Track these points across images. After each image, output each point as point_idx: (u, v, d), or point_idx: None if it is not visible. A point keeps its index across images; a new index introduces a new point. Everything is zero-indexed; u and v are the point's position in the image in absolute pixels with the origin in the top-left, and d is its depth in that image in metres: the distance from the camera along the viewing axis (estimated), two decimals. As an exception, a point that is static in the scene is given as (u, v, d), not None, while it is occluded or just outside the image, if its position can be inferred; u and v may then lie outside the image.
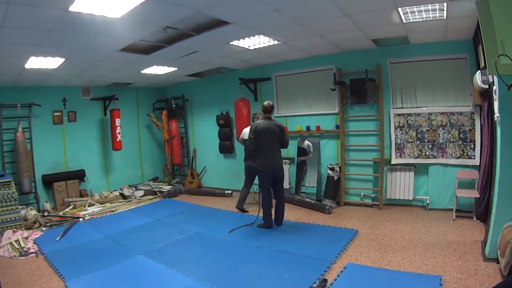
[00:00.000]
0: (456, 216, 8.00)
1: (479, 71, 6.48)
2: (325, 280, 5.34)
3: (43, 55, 7.86)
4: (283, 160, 8.93)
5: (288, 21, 6.76)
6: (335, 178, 9.78)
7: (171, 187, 13.40)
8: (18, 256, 7.37)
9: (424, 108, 8.73)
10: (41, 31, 6.20)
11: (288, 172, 11.10)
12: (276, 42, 8.33)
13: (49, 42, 6.93)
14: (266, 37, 7.89)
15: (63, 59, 8.32)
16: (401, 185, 9.08)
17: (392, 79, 9.08)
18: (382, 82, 9.07)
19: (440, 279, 5.12)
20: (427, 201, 8.83)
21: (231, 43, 8.17)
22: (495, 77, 5.26)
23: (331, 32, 7.72)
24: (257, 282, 5.66)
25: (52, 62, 8.49)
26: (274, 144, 7.96)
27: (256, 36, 7.77)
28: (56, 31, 6.25)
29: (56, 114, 11.95)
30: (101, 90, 13.04)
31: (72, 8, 5.25)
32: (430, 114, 8.61)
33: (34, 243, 8.00)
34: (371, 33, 7.86)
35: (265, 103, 8.16)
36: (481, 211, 7.40)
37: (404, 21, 6.85)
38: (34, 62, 8.28)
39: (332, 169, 9.86)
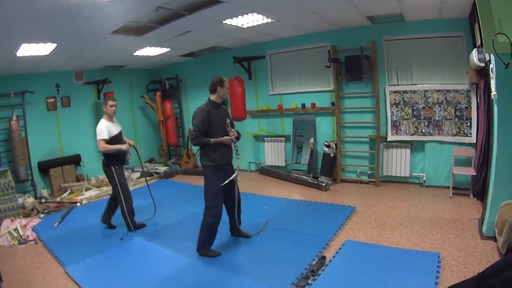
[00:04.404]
0: (452, 193, 8.04)
1: (475, 49, 6.44)
2: (323, 257, 5.42)
3: (35, 42, 7.77)
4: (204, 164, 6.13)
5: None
6: (331, 155, 9.79)
7: (167, 168, 13.43)
8: (17, 245, 7.39)
9: (420, 85, 8.69)
10: (31, 16, 6.09)
11: (284, 149, 11.19)
12: (269, 20, 8.22)
13: (40, 28, 6.84)
14: (260, 15, 7.78)
15: (55, 45, 8.23)
16: (397, 162, 9.11)
17: (388, 56, 9.03)
18: (377, 59, 9.00)
19: (438, 256, 5.17)
20: (424, 178, 8.88)
21: (224, 22, 8.07)
22: (492, 56, 5.23)
23: (324, 9, 7.63)
24: (256, 259, 5.75)
25: (44, 48, 8.40)
26: None
27: (249, 14, 7.67)
28: (46, 15, 6.14)
29: (49, 100, 11.88)
30: (94, 73, 12.96)
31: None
32: (426, 91, 8.57)
33: (32, 230, 8.02)
34: (365, 10, 7.78)
35: None
36: (478, 189, 7.45)
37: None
38: (26, 49, 8.19)
39: (328, 146, 9.87)
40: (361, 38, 9.08)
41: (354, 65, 9.25)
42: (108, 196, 8.00)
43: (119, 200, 7.40)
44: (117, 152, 7.15)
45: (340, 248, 5.76)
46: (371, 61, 9.02)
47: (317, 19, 8.44)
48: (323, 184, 9.28)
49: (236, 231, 6.70)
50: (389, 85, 9.05)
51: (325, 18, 8.37)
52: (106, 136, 7.01)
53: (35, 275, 5.96)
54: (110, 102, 7.32)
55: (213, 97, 6.06)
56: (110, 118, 7.34)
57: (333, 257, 5.49)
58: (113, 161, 7.22)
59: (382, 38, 8.97)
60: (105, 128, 7.06)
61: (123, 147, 7.16)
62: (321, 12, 7.85)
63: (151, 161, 14.86)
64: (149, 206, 8.32)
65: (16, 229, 7.84)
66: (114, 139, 7.14)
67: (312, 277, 4.94)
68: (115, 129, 7.25)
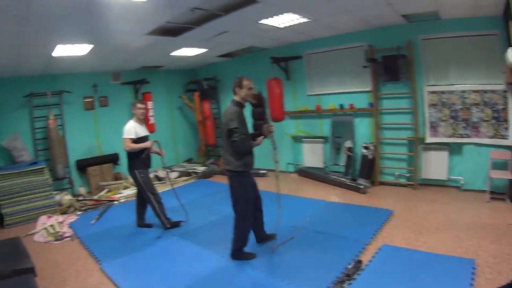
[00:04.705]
0: (490, 198, 7.83)
1: (510, 48, 6.26)
2: (359, 261, 5.35)
3: (70, 42, 7.89)
4: (233, 168, 5.76)
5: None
6: (370, 157, 9.67)
7: (206, 168, 13.44)
8: (53, 241, 7.52)
9: (457, 85, 8.47)
10: (65, 18, 6.19)
11: (322, 150, 11.06)
12: (305, 20, 8.14)
13: (74, 29, 6.97)
14: (295, 14, 7.72)
15: (91, 46, 8.34)
16: (435, 165, 8.94)
17: (424, 55, 8.83)
18: (414, 58, 8.85)
19: (473, 263, 5.06)
20: (461, 182, 8.67)
21: (260, 22, 8.03)
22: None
23: (359, 8, 7.55)
24: (292, 262, 5.70)
25: (80, 49, 8.53)
26: (223, 139, 5.78)
27: (285, 14, 7.62)
28: (81, 17, 6.26)
29: (87, 100, 12.09)
30: (131, 74, 13.11)
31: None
32: (463, 91, 8.34)
33: (69, 227, 8.17)
34: (400, 9, 7.65)
35: None
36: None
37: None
38: (62, 50, 8.32)
39: (366, 148, 9.73)
40: (397, 37, 8.96)
41: (391, 65, 9.08)
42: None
43: (149, 201, 7.47)
44: (141, 155, 7.27)
45: (376, 253, 5.68)
46: (408, 61, 8.86)
47: (352, 19, 8.37)
48: (361, 187, 9.18)
49: (263, 238, 6.51)
50: (426, 85, 8.86)
51: (360, 17, 8.28)
52: (132, 136, 7.15)
53: (70, 271, 6.05)
54: (139, 105, 7.45)
55: (236, 98, 5.82)
56: (139, 121, 7.47)
57: (370, 261, 5.41)
58: (137, 164, 7.33)
59: (418, 37, 8.80)
60: (133, 128, 7.22)
61: (148, 144, 7.25)
62: (356, 11, 7.76)
63: (189, 161, 14.92)
64: (178, 207, 8.37)
65: (52, 226, 7.97)
66: (141, 141, 7.25)
67: (347, 281, 4.88)
68: (142, 132, 7.38)
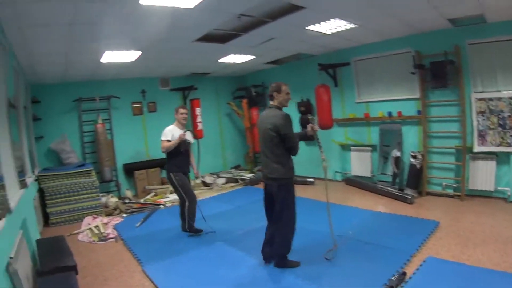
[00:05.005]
0: (538, 210, 7.57)
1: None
2: (404, 273, 5.23)
3: (118, 49, 8.09)
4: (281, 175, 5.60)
5: (362, 2, 6.57)
6: (418, 166, 9.48)
7: (253, 174, 13.47)
8: (97, 241, 7.68)
9: (505, 92, 8.20)
10: (113, 25, 6.37)
11: (370, 159, 10.94)
12: (352, 26, 8.12)
13: (122, 36, 7.16)
14: (342, 20, 7.70)
15: (140, 52, 8.51)
16: (482, 175, 8.67)
17: (471, 61, 8.60)
18: (462, 64, 8.64)
19: (519, 278, 4.89)
20: (508, 193, 8.37)
21: (307, 28, 8.02)
22: None
23: (405, 12, 7.44)
24: (336, 271, 5.64)
25: (128, 56, 8.73)
26: (266, 147, 5.65)
27: (332, 20, 7.60)
28: (129, 25, 6.43)
29: (135, 105, 12.38)
30: (179, 80, 13.35)
31: (143, 1, 5.33)
32: (511, 98, 8.12)
33: (113, 228, 8.30)
34: (446, 12, 7.49)
35: None
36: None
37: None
38: (110, 57, 8.55)
39: (414, 157, 9.55)
40: (444, 42, 8.77)
41: (439, 71, 8.87)
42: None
43: (183, 202, 7.52)
44: (177, 158, 7.39)
45: (421, 265, 5.55)
46: (455, 67, 8.66)
47: (398, 23, 8.26)
48: (408, 197, 9.01)
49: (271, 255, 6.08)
50: (474, 92, 8.62)
51: (406, 21, 8.16)
52: (169, 138, 7.25)
53: (112, 271, 6.17)
54: (181, 110, 7.56)
55: (274, 103, 5.71)
56: (180, 126, 7.54)
57: (414, 273, 5.29)
58: (172, 167, 7.41)
59: (465, 41, 8.58)
60: (169, 131, 7.32)
61: (178, 139, 7.24)
62: (402, 15, 7.67)
63: (237, 167, 15.01)
64: (229, 212, 8.45)
65: (97, 226, 8.12)
66: (178, 145, 7.30)
67: (391, 293, 4.80)
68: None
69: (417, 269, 5.41)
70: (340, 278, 5.40)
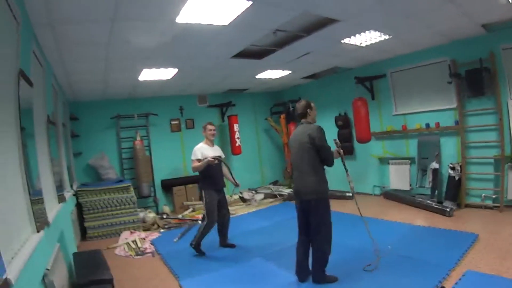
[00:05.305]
0: None
1: None
2: (443, 288, 5.11)
3: (155, 67, 8.27)
4: (320, 189, 5.59)
5: (394, 13, 6.57)
6: (456, 178, 9.35)
7: (291, 190, 13.31)
8: (134, 256, 7.74)
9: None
10: (150, 43, 6.51)
11: (409, 172, 10.78)
12: (386, 37, 8.11)
13: (160, 54, 7.31)
14: (376, 32, 7.69)
15: (176, 69, 8.68)
16: (521, 185, 8.48)
17: (507, 66, 8.41)
18: (497, 70, 8.48)
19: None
20: (550, 203, 8.19)
21: (342, 41, 8.05)
22: None
23: (437, 21, 7.38)
24: (373, 285, 5.59)
25: (165, 73, 8.89)
26: (303, 161, 5.59)
27: (366, 31, 7.61)
28: (165, 42, 6.53)
29: (173, 122, 12.56)
30: (217, 97, 13.48)
31: (179, 19, 5.45)
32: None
33: (151, 243, 8.37)
34: (478, 18, 7.40)
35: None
36: None
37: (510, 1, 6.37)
38: (147, 74, 8.73)
39: (453, 168, 9.42)
40: (478, 49, 8.64)
41: (475, 79, 8.73)
42: (230, 216, 8.06)
43: (203, 220, 7.52)
44: (210, 176, 7.33)
45: (460, 279, 5.42)
46: (491, 74, 8.52)
47: (432, 33, 8.19)
48: (447, 210, 8.83)
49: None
50: (511, 99, 8.44)
51: (440, 30, 8.09)
52: (199, 157, 7.24)
53: (148, 285, 6.20)
54: (209, 126, 7.59)
55: (309, 119, 5.74)
56: (209, 142, 7.58)
57: (453, 288, 5.25)
58: (205, 185, 7.41)
59: (499, 47, 8.41)
60: (198, 150, 7.33)
61: (207, 160, 7.16)
62: (435, 24, 7.61)
63: (275, 183, 14.95)
64: (267, 228, 8.63)
65: (134, 241, 8.20)
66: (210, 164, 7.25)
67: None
68: (211, 152, 7.39)
69: (456, 283, 5.28)
70: (380, 293, 5.30)
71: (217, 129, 12.65)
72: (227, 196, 8.39)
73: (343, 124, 12.10)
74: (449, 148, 9.78)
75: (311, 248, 5.76)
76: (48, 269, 3.89)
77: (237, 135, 12.97)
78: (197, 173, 7.56)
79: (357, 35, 7.76)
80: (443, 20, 7.33)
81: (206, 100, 13.28)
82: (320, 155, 5.43)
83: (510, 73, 8.35)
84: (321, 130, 5.47)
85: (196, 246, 7.49)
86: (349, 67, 11.54)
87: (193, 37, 6.43)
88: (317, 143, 5.36)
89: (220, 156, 7.59)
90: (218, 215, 7.62)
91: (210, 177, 7.34)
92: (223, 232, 7.86)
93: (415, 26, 7.53)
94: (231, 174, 7.98)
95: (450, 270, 5.77)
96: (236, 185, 7.96)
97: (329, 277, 5.77)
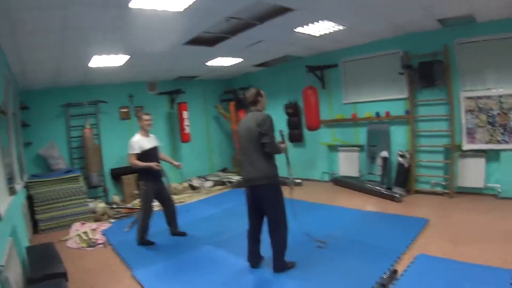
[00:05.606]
0: (528, 206, 7.63)
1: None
2: (395, 271, 5.25)
3: (107, 53, 8.06)
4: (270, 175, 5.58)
5: (350, 4, 6.59)
6: (406, 165, 9.57)
7: (240, 177, 13.34)
8: (86, 247, 7.63)
9: (494, 90, 8.26)
10: (102, 29, 6.35)
11: (358, 159, 11.03)
12: (341, 28, 8.15)
13: (111, 40, 7.12)
14: (331, 22, 7.71)
15: (128, 56, 8.48)
16: (471, 172, 8.76)
17: (460, 60, 8.70)
18: (450, 63, 8.74)
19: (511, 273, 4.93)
20: (499, 190, 8.45)
21: (295, 30, 8.05)
22: None
23: (394, 13, 7.48)
24: (327, 271, 5.64)
25: (116, 60, 8.70)
26: (252, 148, 5.55)
27: (321, 21, 7.61)
28: (117, 28, 6.39)
29: (123, 110, 12.32)
30: (167, 84, 13.31)
31: (132, 4, 5.33)
32: (501, 96, 8.14)
33: (102, 234, 8.27)
34: (435, 13, 7.55)
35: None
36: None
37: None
38: (98, 61, 8.51)
39: (402, 156, 9.63)
40: (433, 43, 8.87)
41: (427, 71, 8.98)
42: (180, 204, 8.00)
43: (140, 213, 7.46)
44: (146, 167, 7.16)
45: (412, 262, 5.58)
46: (444, 66, 8.76)
47: (388, 25, 8.31)
48: (397, 196, 9.06)
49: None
50: (463, 90, 8.71)
51: (396, 23, 8.21)
52: (136, 151, 7.08)
53: (101, 277, 6.13)
54: (145, 117, 7.41)
55: (258, 107, 5.74)
56: (145, 133, 7.41)
57: (405, 271, 5.32)
58: (143, 176, 7.28)
59: (454, 41, 8.68)
60: (136, 143, 7.14)
61: (152, 165, 7.10)
62: (391, 17, 7.72)
63: (224, 170, 15.01)
64: (216, 215, 8.81)
65: (85, 232, 8.09)
66: (146, 154, 7.19)
67: (383, 291, 4.83)
68: (148, 144, 7.29)
69: (408, 267, 5.44)
70: (332, 278, 5.40)
71: (172, 116, 12.61)
72: (177, 185, 8.34)
73: (292, 112, 12.19)
74: (399, 136, 10.00)
75: (270, 238, 5.71)
76: (2, 266, 3.80)
77: (186, 122, 12.87)
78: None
79: (311, 24, 7.74)
80: (402, 13, 7.45)
81: (156, 87, 13.11)
82: (263, 141, 5.38)
83: (463, 66, 8.64)
84: (269, 119, 5.48)
85: (142, 241, 7.43)
86: (301, 56, 11.59)
87: (146, 23, 6.29)
88: (263, 130, 5.34)
89: (156, 146, 7.54)
90: (162, 206, 7.71)
91: (147, 167, 7.19)
92: (171, 222, 7.86)
93: (372, 17, 7.62)
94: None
95: (402, 254, 5.93)
96: (178, 166, 7.99)
97: (289, 263, 5.79)
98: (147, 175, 7.23)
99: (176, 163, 7.93)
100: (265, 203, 5.61)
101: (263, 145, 5.41)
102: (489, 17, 7.89)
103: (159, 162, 7.39)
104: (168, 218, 7.86)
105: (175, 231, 7.89)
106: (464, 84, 8.72)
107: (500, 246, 5.91)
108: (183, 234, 7.88)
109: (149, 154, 7.23)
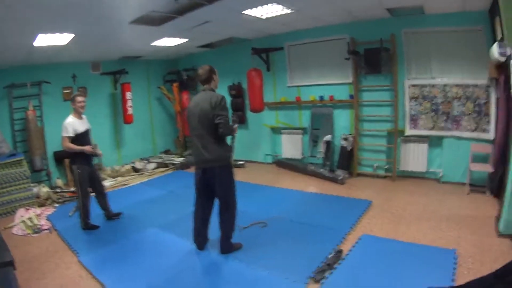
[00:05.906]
0: (469, 190, 7.91)
1: (496, 43, 6.29)
2: (340, 251, 5.41)
3: (51, 32, 7.79)
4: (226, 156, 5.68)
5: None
6: (348, 148, 9.74)
7: (183, 159, 13.40)
8: (32, 234, 7.48)
9: (439, 79, 8.53)
10: (47, 7, 6.12)
11: (301, 141, 11.14)
12: (289, 11, 8.12)
13: (56, 18, 6.87)
14: (279, 5, 7.66)
15: (73, 35, 8.24)
16: (414, 157, 9.02)
17: (407, 49, 8.89)
18: (397, 52, 8.90)
19: (455, 253, 5.13)
20: (440, 174, 8.76)
21: (243, 12, 7.98)
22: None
23: (344, 1, 7.56)
24: (274, 252, 5.73)
25: (61, 39, 8.42)
26: (204, 129, 5.49)
27: (269, 4, 7.55)
28: (62, 6, 6.16)
29: (66, 91, 11.94)
30: (111, 64, 13.00)
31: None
32: (445, 85, 8.41)
33: (47, 219, 8.12)
34: (385, 2, 7.65)
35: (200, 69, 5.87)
36: (494, 186, 7.36)
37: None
38: (43, 40, 8.21)
39: (345, 139, 9.81)
40: (380, 31, 8.96)
41: (373, 57, 9.15)
42: (123, 187, 7.94)
43: (77, 197, 7.39)
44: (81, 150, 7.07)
45: (356, 242, 5.75)
46: (390, 54, 8.92)
47: (336, 10, 8.33)
48: (339, 178, 9.25)
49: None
50: (408, 78, 8.92)
51: (344, 9, 8.25)
52: (70, 134, 6.96)
53: (49, 264, 6.03)
54: (79, 98, 7.24)
55: (212, 86, 5.74)
56: (78, 115, 7.27)
57: (350, 251, 5.49)
58: (77, 159, 7.18)
59: (401, 31, 8.83)
60: (70, 126, 7.00)
61: (86, 148, 7.04)
62: (340, 2, 7.73)
63: (167, 152, 14.90)
64: (161, 197, 8.82)
65: (30, 218, 7.91)
66: (80, 137, 7.09)
67: (328, 271, 4.95)
68: (81, 127, 7.18)
69: (353, 246, 5.62)
70: (278, 259, 5.50)
71: (115, 96, 12.43)
72: (119, 167, 8.22)
73: (236, 93, 12.20)
74: (343, 120, 10.15)
75: (219, 220, 5.76)
76: None
77: (129, 103, 12.64)
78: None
79: (259, 7, 7.70)
80: (350, 0, 7.53)
81: (100, 67, 12.79)
82: (217, 121, 5.37)
83: (410, 55, 8.86)
84: (224, 100, 5.49)
85: (86, 225, 7.35)
86: (247, 38, 11.56)
87: (92, 1, 6.09)
88: (217, 112, 5.35)
89: (88, 129, 7.43)
90: (93, 190, 7.60)
91: (81, 151, 7.08)
92: (104, 206, 7.83)
93: (320, 2, 7.62)
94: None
95: (346, 234, 6.10)
96: (99, 155, 7.70)
97: (236, 245, 5.85)
98: (81, 159, 7.13)
99: (99, 151, 7.60)
100: (218, 185, 5.62)
101: (217, 126, 5.37)
102: (439, 10, 8.08)
103: (91, 145, 7.28)
104: (100, 202, 7.81)
105: (110, 214, 7.87)
106: (409, 72, 8.94)
107: (443, 227, 6.17)
108: (118, 214, 7.92)
109: (83, 137, 7.14)
